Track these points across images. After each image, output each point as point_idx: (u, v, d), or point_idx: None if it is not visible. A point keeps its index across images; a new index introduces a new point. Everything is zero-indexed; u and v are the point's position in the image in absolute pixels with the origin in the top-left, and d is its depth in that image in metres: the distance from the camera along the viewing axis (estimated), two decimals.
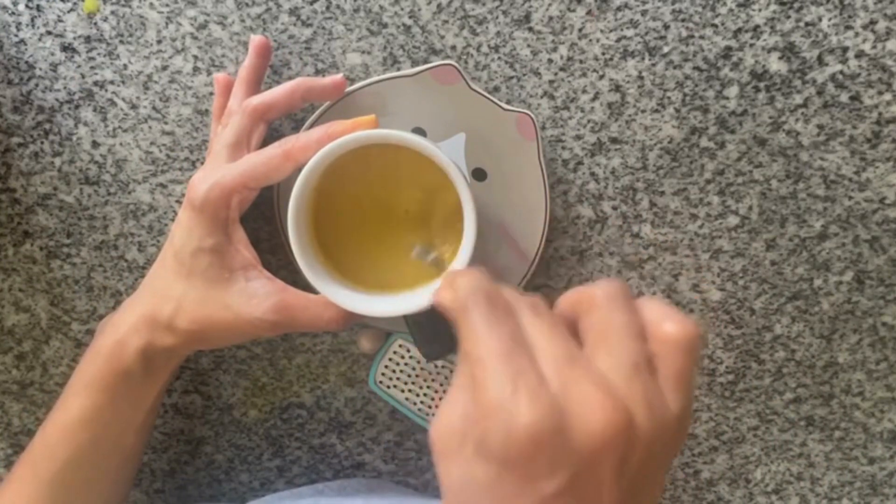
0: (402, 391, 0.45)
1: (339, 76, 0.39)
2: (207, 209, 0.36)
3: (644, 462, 0.23)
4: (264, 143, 0.38)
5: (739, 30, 0.40)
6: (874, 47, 0.40)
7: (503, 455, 0.22)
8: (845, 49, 0.40)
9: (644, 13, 0.40)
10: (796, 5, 0.40)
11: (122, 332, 0.38)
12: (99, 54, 0.42)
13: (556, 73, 0.41)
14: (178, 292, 0.37)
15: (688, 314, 0.44)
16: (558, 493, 0.22)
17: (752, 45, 0.40)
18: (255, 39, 0.40)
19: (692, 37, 0.40)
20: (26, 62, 0.42)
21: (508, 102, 0.41)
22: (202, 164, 0.43)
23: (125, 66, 0.42)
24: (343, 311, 0.37)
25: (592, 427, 0.22)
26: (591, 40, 0.41)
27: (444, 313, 0.26)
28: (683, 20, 0.40)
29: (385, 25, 0.41)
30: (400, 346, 0.44)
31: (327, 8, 0.41)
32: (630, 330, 0.24)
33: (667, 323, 0.25)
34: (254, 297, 0.37)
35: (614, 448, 0.22)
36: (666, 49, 0.40)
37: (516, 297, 0.26)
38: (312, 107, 0.42)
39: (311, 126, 0.40)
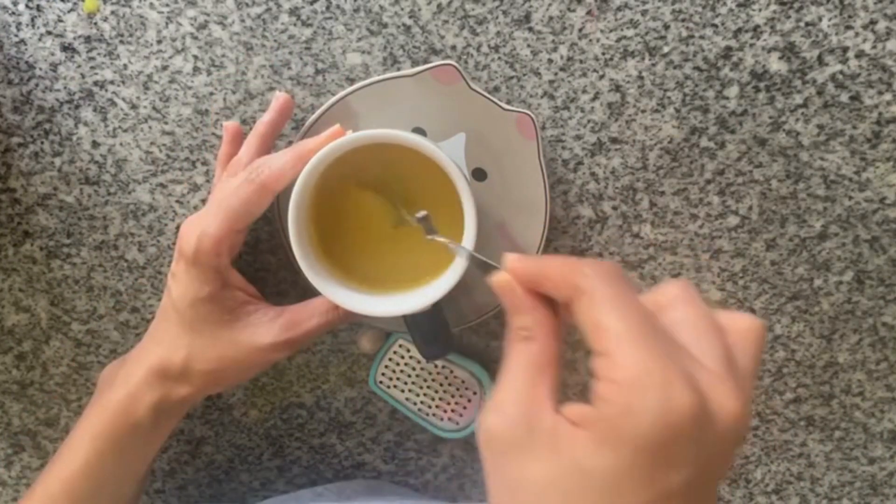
0: (402, 391, 0.45)
1: (335, 126, 0.37)
2: (201, 260, 0.37)
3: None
4: None
5: (739, 30, 0.40)
6: (874, 47, 0.40)
7: (644, 438, 0.20)
8: (845, 49, 0.40)
9: (644, 13, 0.40)
10: (796, 5, 0.40)
11: (132, 385, 0.38)
12: (99, 54, 0.42)
13: (556, 73, 0.41)
14: (185, 342, 0.38)
15: None
16: (682, 486, 0.21)
17: (752, 45, 0.40)
18: (280, 97, 0.40)
19: (692, 37, 0.40)
20: (26, 62, 0.42)
21: (508, 102, 0.41)
22: (202, 163, 0.43)
23: (125, 66, 0.42)
24: None
25: (730, 415, 0.21)
26: (591, 40, 0.41)
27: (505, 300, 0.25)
28: (683, 20, 0.40)
29: (385, 25, 0.41)
30: (400, 346, 0.44)
31: (327, 8, 0.41)
32: (717, 327, 0.24)
33: (740, 318, 0.25)
34: (259, 326, 0.38)
35: (741, 438, 0.22)
36: (666, 49, 0.40)
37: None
38: (312, 106, 0.42)
39: (311, 126, 0.40)
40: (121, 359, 0.43)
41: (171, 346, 0.38)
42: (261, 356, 0.38)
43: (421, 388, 0.44)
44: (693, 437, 0.20)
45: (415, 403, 0.45)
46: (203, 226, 0.37)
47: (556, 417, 0.22)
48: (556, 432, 0.22)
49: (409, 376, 0.44)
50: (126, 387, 0.38)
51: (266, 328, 0.38)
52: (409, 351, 0.44)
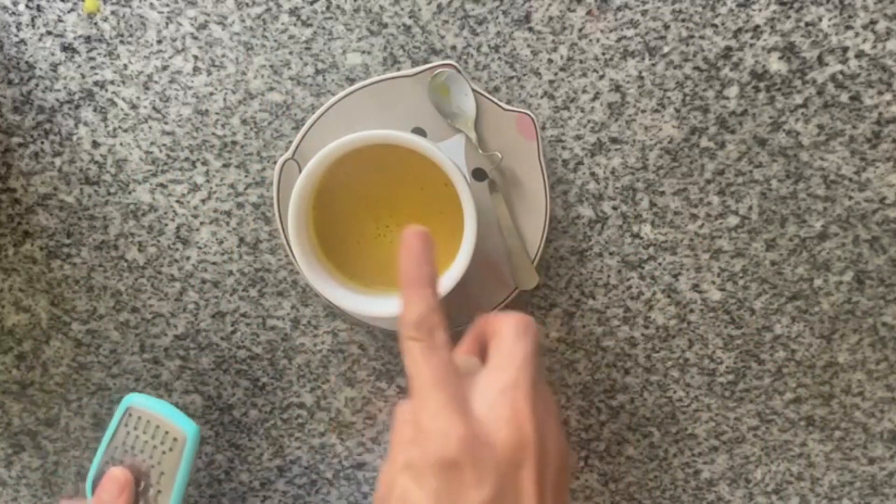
0: None
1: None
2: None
3: (558, 475, 0.27)
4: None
5: (739, 30, 0.40)
6: (874, 47, 0.40)
7: (438, 465, 0.25)
8: (845, 49, 0.40)
9: (644, 13, 0.40)
10: (796, 5, 0.40)
11: None
12: (99, 54, 0.42)
13: (556, 73, 0.41)
14: None
15: (688, 312, 0.44)
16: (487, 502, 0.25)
17: (752, 45, 0.40)
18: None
19: (692, 37, 0.40)
20: (26, 62, 0.42)
21: (508, 102, 0.41)
22: (202, 163, 0.43)
23: (125, 66, 0.42)
24: None
25: (508, 441, 0.26)
26: (591, 40, 0.41)
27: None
28: (683, 20, 0.40)
29: (385, 25, 0.41)
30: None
31: (327, 8, 0.41)
32: (525, 358, 0.29)
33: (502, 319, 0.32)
34: None
35: (530, 457, 0.26)
36: (666, 49, 0.40)
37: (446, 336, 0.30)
38: (312, 106, 0.42)
39: (311, 126, 0.40)
40: None
41: None
42: None
43: None
44: (475, 459, 0.25)
45: None
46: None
47: None
48: None
49: None
50: None
51: None
52: None
